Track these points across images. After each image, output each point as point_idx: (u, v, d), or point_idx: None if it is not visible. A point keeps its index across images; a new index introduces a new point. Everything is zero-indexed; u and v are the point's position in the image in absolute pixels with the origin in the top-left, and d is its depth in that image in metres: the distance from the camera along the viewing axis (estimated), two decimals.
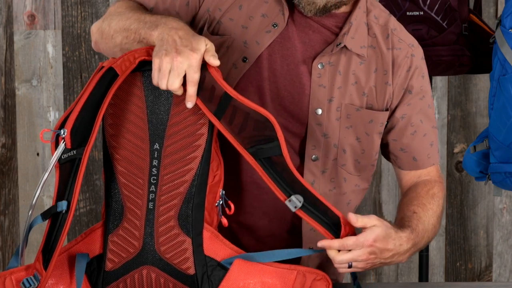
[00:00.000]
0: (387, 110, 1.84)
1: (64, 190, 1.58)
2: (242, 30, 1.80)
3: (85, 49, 3.01)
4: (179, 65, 1.55)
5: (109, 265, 1.65)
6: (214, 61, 1.58)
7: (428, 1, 2.56)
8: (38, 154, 3.04)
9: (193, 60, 1.56)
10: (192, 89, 1.57)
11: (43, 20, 3.00)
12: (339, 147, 1.81)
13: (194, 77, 1.56)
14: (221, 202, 1.70)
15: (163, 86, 1.57)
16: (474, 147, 2.45)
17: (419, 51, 1.86)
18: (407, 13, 2.55)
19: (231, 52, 1.78)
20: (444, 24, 2.56)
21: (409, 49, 1.84)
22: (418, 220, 1.73)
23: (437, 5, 2.55)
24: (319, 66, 1.78)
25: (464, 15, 2.58)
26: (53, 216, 1.59)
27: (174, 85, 1.56)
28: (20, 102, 3.03)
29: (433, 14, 2.56)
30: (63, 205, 1.57)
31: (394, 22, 1.86)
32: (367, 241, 1.58)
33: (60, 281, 1.63)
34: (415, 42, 1.87)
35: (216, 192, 1.69)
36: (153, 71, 1.58)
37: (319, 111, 1.78)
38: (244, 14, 1.81)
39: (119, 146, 1.64)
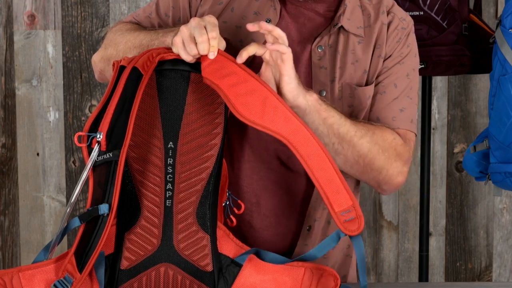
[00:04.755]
0: None
1: (102, 193, 1.57)
2: (236, 30, 1.82)
3: (85, 49, 3.01)
4: (198, 24, 1.59)
5: (125, 263, 1.65)
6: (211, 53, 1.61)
7: (428, 1, 2.56)
8: (38, 154, 3.04)
9: (209, 18, 1.61)
10: (213, 41, 1.60)
11: (43, 20, 3.00)
12: None
13: (213, 30, 1.59)
14: (227, 203, 1.73)
15: (193, 50, 1.59)
16: (474, 147, 2.46)
17: (410, 25, 1.88)
18: (407, 13, 2.55)
19: (227, 53, 1.79)
20: (444, 24, 2.57)
21: (400, 22, 1.87)
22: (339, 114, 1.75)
23: (437, 5, 2.56)
24: (318, 49, 1.81)
25: (464, 15, 2.59)
26: (92, 219, 1.57)
27: (203, 37, 1.58)
28: (20, 102, 3.03)
29: (433, 14, 2.57)
30: (105, 208, 1.56)
31: (387, 0, 1.89)
32: None
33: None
34: (407, 17, 1.89)
35: (223, 192, 1.71)
36: (178, 50, 1.61)
37: (323, 93, 1.80)
38: (237, 15, 1.83)
39: (134, 144, 1.65)
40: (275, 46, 1.62)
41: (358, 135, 1.74)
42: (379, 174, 1.79)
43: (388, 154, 1.78)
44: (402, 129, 1.83)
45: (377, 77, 1.85)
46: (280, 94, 1.66)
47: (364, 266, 1.58)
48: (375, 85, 1.84)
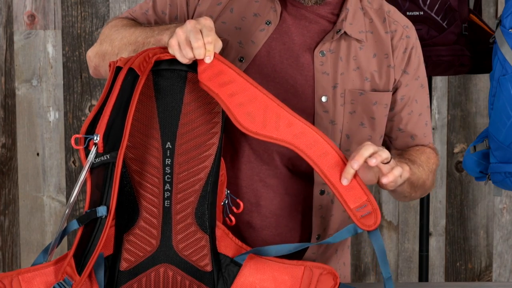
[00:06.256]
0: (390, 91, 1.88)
1: (100, 195, 1.57)
2: (236, 31, 1.82)
3: (85, 49, 3.01)
4: (194, 27, 1.59)
5: (124, 265, 1.65)
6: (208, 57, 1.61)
7: (428, 1, 2.56)
8: (38, 154, 3.04)
9: (205, 21, 1.61)
10: (209, 46, 1.60)
11: (43, 20, 3.00)
12: (343, 132, 1.83)
13: (209, 34, 1.59)
14: (226, 201, 1.73)
15: (189, 54, 1.60)
16: (474, 147, 2.45)
17: (413, 32, 1.90)
18: (407, 13, 2.55)
19: (227, 54, 1.80)
20: (444, 24, 2.57)
21: (404, 31, 1.88)
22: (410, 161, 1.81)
23: (437, 5, 2.56)
24: (320, 54, 1.81)
25: (464, 15, 2.59)
26: (90, 221, 1.58)
27: (199, 42, 1.58)
28: (20, 102, 3.03)
29: (433, 14, 2.57)
30: (103, 210, 1.56)
31: (387, 5, 1.90)
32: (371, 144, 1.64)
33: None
34: (409, 23, 1.90)
35: (222, 191, 1.71)
36: (174, 53, 1.61)
37: (324, 98, 1.80)
38: (236, 16, 1.83)
39: (132, 146, 1.65)
40: (391, 178, 1.63)
41: (427, 176, 1.85)
42: (426, 192, 1.93)
43: (435, 174, 1.91)
44: (430, 142, 1.94)
45: (394, 92, 1.87)
46: (380, 184, 1.68)
47: (385, 259, 1.60)
48: (399, 105, 1.88)
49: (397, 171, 1.64)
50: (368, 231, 1.60)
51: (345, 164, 1.61)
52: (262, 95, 1.62)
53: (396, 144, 1.92)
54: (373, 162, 1.59)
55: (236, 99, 1.61)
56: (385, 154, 1.61)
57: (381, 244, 1.60)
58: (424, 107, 1.91)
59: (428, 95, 1.94)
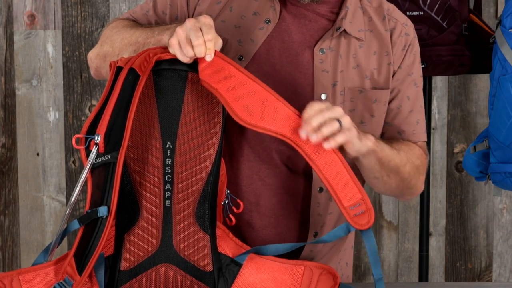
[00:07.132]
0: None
1: (101, 195, 1.58)
2: (235, 30, 1.82)
3: (85, 49, 3.01)
4: (194, 25, 1.60)
5: (125, 265, 1.65)
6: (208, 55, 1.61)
7: (428, 1, 2.56)
8: (38, 154, 3.04)
9: (205, 19, 1.61)
10: (209, 44, 1.60)
11: (43, 20, 3.00)
12: None
13: (209, 32, 1.60)
14: (226, 201, 1.73)
15: (189, 52, 1.60)
16: (474, 147, 2.46)
17: (412, 30, 1.90)
18: (407, 13, 2.55)
19: (226, 52, 1.80)
20: (444, 24, 2.57)
21: (403, 28, 1.88)
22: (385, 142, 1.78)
23: (437, 5, 2.56)
24: (320, 52, 1.81)
25: (464, 15, 2.59)
26: (91, 221, 1.58)
27: (199, 40, 1.59)
28: (20, 102, 3.03)
29: (433, 14, 2.57)
30: (104, 210, 1.56)
31: (387, 3, 1.91)
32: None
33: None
34: (408, 21, 1.90)
35: (222, 191, 1.71)
36: (175, 52, 1.61)
37: (324, 96, 1.81)
38: (236, 15, 1.83)
39: (132, 145, 1.65)
40: (333, 144, 1.60)
41: (403, 163, 1.80)
42: (410, 189, 1.87)
43: (418, 171, 1.85)
44: (421, 141, 1.90)
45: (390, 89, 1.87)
46: (341, 150, 1.65)
47: (376, 259, 1.60)
48: (390, 101, 1.87)
49: (341, 137, 1.60)
50: (361, 231, 1.60)
51: (341, 162, 1.61)
52: (262, 89, 1.63)
53: (383, 139, 1.91)
54: (314, 138, 1.58)
55: (234, 93, 1.61)
56: (335, 112, 1.59)
57: (374, 244, 1.60)
58: (417, 105, 1.89)
59: (423, 96, 1.92)
